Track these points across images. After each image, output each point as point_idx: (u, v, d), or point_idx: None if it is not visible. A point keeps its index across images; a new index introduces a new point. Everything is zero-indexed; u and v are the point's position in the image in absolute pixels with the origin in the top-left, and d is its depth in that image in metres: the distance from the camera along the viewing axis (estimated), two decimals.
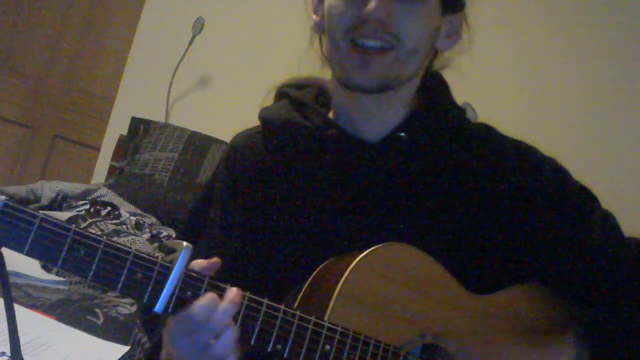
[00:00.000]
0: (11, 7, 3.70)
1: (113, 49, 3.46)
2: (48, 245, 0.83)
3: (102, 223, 2.33)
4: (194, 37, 3.04)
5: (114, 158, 3.04)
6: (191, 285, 0.89)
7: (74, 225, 0.85)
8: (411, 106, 1.13)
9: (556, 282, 1.11)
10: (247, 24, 3.06)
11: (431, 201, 1.10)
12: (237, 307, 0.90)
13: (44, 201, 2.49)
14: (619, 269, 1.09)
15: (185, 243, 0.89)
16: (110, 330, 1.62)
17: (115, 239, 2.20)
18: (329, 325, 0.96)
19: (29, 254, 0.83)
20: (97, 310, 1.69)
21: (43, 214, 0.83)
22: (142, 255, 0.88)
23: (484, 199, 1.10)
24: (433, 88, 1.15)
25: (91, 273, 0.85)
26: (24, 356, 0.89)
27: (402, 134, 1.09)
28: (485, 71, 2.72)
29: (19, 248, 0.82)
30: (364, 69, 1.03)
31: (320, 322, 0.96)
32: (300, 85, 1.19)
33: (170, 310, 0.88)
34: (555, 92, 2.73)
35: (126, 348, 1.53)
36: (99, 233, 2.22)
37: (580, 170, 1.18)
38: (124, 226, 2.38)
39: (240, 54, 3.04)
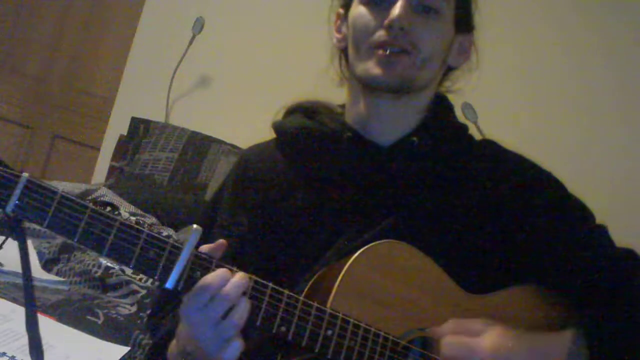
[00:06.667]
0: (11, 7, 3.69)
1: (113, 49, 3.46)
2: (66, 221, 0.89)
3: None
4: (194, 37, 3.04)
5: (114, 158, 3.04)
6: (200, 266, 0.95)
7: (91, 203, 0.91)
8: (423, 116, 1.22)
9: (550, 284, 1.15)
10: (247, 24, 3.06)
11: (438, 204, 1.16)
12: (247, 283, 0.95)
13: None
14: (608, 273, 1.14)
15: (195, 226, 0.94)
16: (110, 331, 1.61)
17: None
18: (331, 311, 1.00)
19: (49, 227, 0.89)
20: (97, 310, 1.69)
21: (62, 191, 0.89)
22: (155, 235, 0.93)
23: (487, 205, 1.17)
24: (440, 106, 1.25)
25: (106, 248, 0.91)
26: (24, 357, 0.90)
27: (415, 139, 1.18)
28: (485, 71, 2.72)
29: (39, 222, 0.88)
30: (389, 66, 1.12)
31: (322, 307, 0.99)
32: (307, 105, 1.27)
33: (180, 288, 0.93)
34: (555, 92, 2.73)
35: (126, 349, 1.53)
36: None
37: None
38: None
39: (240, 54, 3.04)
